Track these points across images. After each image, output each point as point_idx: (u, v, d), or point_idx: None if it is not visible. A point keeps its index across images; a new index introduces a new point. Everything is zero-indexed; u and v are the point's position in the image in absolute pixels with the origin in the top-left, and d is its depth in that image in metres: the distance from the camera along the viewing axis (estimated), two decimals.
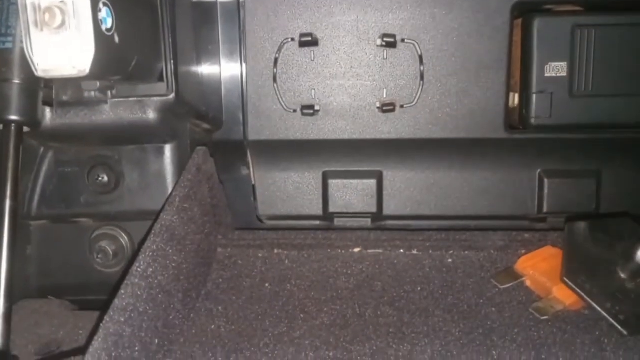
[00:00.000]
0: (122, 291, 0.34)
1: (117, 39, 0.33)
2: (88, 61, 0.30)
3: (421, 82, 0.52)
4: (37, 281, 0.47)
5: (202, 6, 0.51)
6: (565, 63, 0.50)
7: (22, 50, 0.35)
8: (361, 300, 0.42)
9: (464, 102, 0.52)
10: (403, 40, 0.52)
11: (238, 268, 0.46)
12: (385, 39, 0.52)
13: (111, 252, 0.46)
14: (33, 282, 0.47)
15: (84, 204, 0.46)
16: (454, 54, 0.52)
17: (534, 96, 0.52)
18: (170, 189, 0.45)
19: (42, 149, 0.46)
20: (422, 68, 0.52)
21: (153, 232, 0.39)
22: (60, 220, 0.47)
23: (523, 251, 0.46)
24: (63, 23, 0.30)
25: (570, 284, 0.39)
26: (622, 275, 0.40)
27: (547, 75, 0.51)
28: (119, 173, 0.45)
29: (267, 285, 0.44)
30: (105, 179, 0.45)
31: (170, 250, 0.39)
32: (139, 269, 0.36)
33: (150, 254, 0.38)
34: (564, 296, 0.40)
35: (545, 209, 0.55)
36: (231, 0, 0.52)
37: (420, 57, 0.52)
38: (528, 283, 0.43)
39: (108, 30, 0.32)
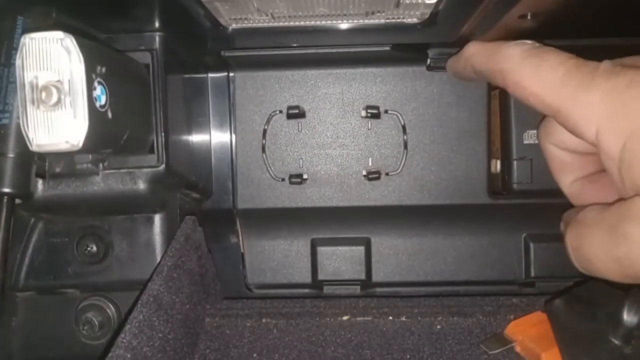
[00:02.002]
0: None
1: (110, 115, 0.35)
2: (81, 137, 0.31)
3: (405, 151, 0.54)
4: (21, 354, 0.46)
5: (193, 80, 0.53)
6: None
7: (18, 125, 0.36)
8: None
9: (447, 169, 0.54)
10: (386, 112, 0.54)
11: (226, 338, 0.46)
12: (369, 111, 0.54)
13: (97, 324, 0.45)
14: (17, 356, 0.46)
15: (71, 274, 0.46)
16: (435, 123, 0.54)
17: (515, 163, 0.53)
18: (158, 259, 0.45)
19: (32, 220, 0.46)
20: (405, 137, 0.54)
21: (140, 302, 0.39)
22: (47, 291, 0.46)
23: (512, 316, 0.46)
24: (59, 101, 0.31)
25: None
26: (616, 342, 0.39)
27: (525, 142, 0.53)
28: (107, 243, 0.45)
29: (255, 355, 0.44)
30: (94, 248, 0.45)
31: (157, 321, 0.39)
32: (124, 340, 0.36)
33: (137, 324, 0.37)
34: None
35: (532, 274, 0.55)
36: (221, 75, 0.55)
37: (404, 127, 0.54)
38: (518, 349, 0.43)
39: (102, 106, 0.34)
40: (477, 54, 0.38)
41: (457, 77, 0.44)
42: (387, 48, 0.49)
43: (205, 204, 0.55)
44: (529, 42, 0.34)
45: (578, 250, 0.32)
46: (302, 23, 0.43)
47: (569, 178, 0.39)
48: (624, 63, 0.31)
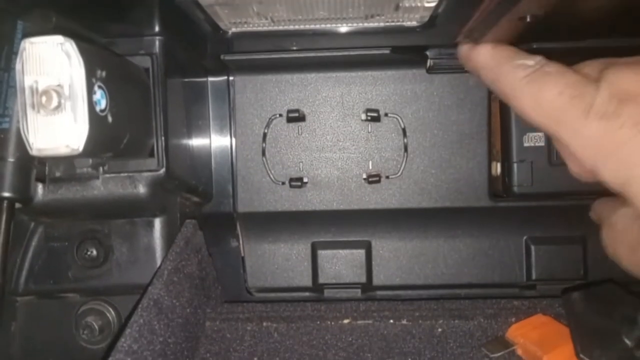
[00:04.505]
0: None
1: (110, 119, 0.35)
2: (82, 141, 0.31)
3: (405, 154, 0.54)
4: (21, 359, 0.46)
5: (193, 84, 0.53)
6: (542, 133, 0.52)
7: (18, 130, 0.36)
8: None
9: (447, 172, 0.54)
10: (386, 115, 0.54)
11: (226, 342, 0.46)
12: (369, 114, 0.54)
13: (97, 328, 0.45)
14: None
15: (71, 278, 0.45)
16: (435, 126, 0.54)
17: (515, 165, 0.53)
18: (158, 263, 0.45)
19: (32, 224, 0.46)
20: (405, 140, 0.54)
21: (140, 306, 0.39)
22: (47, 295, 0.46)
23: (513, 319, 0.46)
24: (59, 105, 0.31)
25: None
26: (629, 343, 0.39)
27: (526, 145, 0.53)
28: (107, 247, 0.45)
29: (255, 359, 0.44)
30: (94, 253, 0.45)
31: (157, 325, 0.39)
32: (124, 345, 0.36)
33: (137, 328, 0.37)
34: None
35: (534, 276, 0.55)
36: (221, 79, 0.55)
37: (404, 130, 0.54)
38: (519, 352, 0.43)
39: (102, 111, 0.34)
40: (485, 68, 0.37)
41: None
42: (387, 51, 0.49)
43: (205, 207, 0.55)
44: (531, 62, 0.34)
45: (612, 248, 0.36)
46: (301, 26, 0.43)
47: None
48: (621, 94, 0.30)
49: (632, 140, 0.29)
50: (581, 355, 0.39)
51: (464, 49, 0.38)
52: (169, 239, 0.46)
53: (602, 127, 0.30)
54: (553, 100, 0.31)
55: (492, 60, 0.36)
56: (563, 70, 0.32)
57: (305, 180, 0.54)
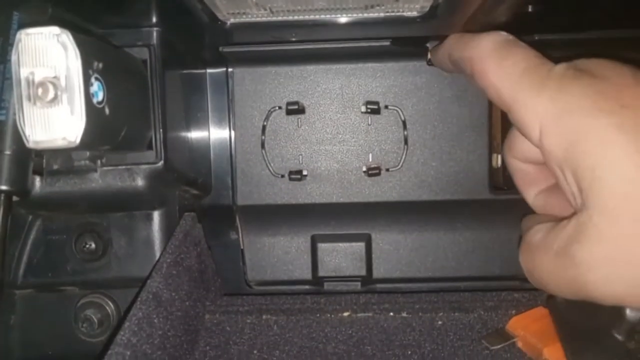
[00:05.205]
0: None
1: (107, 111, 0.34)
2: (79, 133, 0.31)
3: (405, 147, 0.54)
4: (20, 352, 0.46)
5: (191, 76, 0.53)
6: None
7: (15, 122, 0.36)
8: None
9: (448, 164, 0.54)
10: (386, 107, 0.54)
11: (226, 335, 0.46)
12: (369, 106, 0.54)
13: (96, 321, 0.45)
14: (15, 353, 0.46)
15: (70, 272, 0.45)
16: (436, 118, 0.54)
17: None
18: (157, 256, 0.45)
19: (30, 218, 0.46)
20: (405, 133, 0.54)
21: (139, 299, 0.39)
22: (46, 288, 0.46)
23: (513, 311, 0.46)
24: (55, 97, 0.31)
25: None
26: (619, 337, 0.39)
27: None
28: (106, 240, 0.45)
29: (255, 352, 0.44)
30: (93, 246, 0.45)
31: (157, 318, 0.39)
32: (123, 338, 0.35)
33: (136, 321, 0.37)
34: (555, 358, 0.39)
35: None
36: (219, 71, 0.55)
37: (404, 123, 0.54)
38: (519, 344, 0.43)
39: (99, 103, 0.33)
40: (455, 43, 0.38)
41: (438, 66, 0.45)
42: (387, 42, 0.49)
43: (204, 200, 0.55)
44: (503, 33, 0.34)
45: (532, 273, 0.33)
46: (300, 17, 0.42)
47: (532, 191, 0.39)
48: (579, 67, 0.30)
49: (579, 111, 0.28)
50: None
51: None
52: (168, 232, 0.46)
53: (557, 90, 0.29)
54: (516, 64, 0.32)
55: (463, 36, 0.37)
56: (527, 46, 0.33)
57: (304, 173, 0.54)
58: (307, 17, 0.42)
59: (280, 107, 0.54)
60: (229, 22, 0.43)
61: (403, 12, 0.42)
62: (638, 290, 0.28)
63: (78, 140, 0.31)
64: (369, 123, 0.54)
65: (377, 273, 0.56)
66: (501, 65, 0.32)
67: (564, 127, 0.29)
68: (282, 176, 0.54)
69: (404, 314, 0.47)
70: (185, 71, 0.50)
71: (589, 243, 0.27)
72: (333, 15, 0.43)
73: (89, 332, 0.45)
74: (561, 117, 0.29)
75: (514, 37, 0.34)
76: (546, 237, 0.31)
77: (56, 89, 0.31)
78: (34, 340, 0.46)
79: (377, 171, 0.54)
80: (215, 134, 0.55)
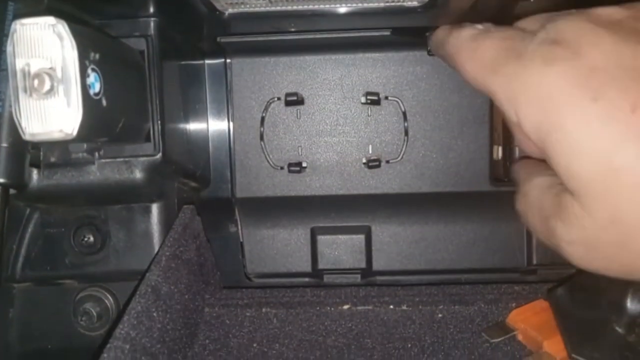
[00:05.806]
0: (105, 355, 0.33)
1: (104, 102, 0.34)
2: (75, 125, 0.31)
3: (405, 138, 0.53)
4: (19, 346, 0.46)
5: (189, 67, 0.52)
6: None
7: (10, 114, 0.36)
8: (351, 358, 0.41)
9: (448, 156, 0.53)
10: (387, 98, 0.53)
11: (225, 328, 0.45)
12: (369, 97, 0.53)
13: (95, 315, 0.45)
14: (14, 347, 0.46)
15: (68, 265, 0.45)
16: (436, 109, 0.53)
17: (517, 149, 0.53)
18: (156, 249, 0.44)
19: (28, 211, 0.45)
20: (406, 124, 0.53)
21: (138, 292, 0.39)
22: (45, 282, 0.46)
23: (514, 304, 0.45)
24: (51, 89, 0.30)
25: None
26: (620, 330, 0.39)
27: None
28: (104, 233, 0.45)
29: (255, 345, 0.43)
30: (91, 239, 0.44)
31: (156, 311, 0.39)
32: (122, 332, 0.35)
33: (135, 315, 0.37)
34: (555, 351, 0.39)
35: (534, 261, 0.54)
36: (218, 62, 0.54)
37: (404, 114, 0.53)
38: (520, 337, 0.43)
39: (96, 94, 0.33)
40: (441, 37, 0.38)
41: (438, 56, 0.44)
42: (387, 32, 0.48)
43: (203, 192, 0.55)
44: (480, 26, 0.34)
45: (525, 220, 0.34)
46: (300, 7, 0.42)
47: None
48: (552, 37, 0.29)
49: (550, 97, 0.28)
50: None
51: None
52: (167, 224, 0.45)
53: (524, 81, 0.29)
54: (486, 51, 0.32)
55: (446, 30, 0.37)
56: (504, 28, 0.33)
57: (304, 165, 0.54)
58: (306, 6, 0.42)
59: (279, 98, 0.54)
60: (227, 12, 0.43)
61: (404, 2, 0.41)
62: (616, 265, 0.29)
63: (75, 133, 0.31)
64: (369, 114, 0.54)
65: (377, 265, 0.56)
66: (473, 56, 0.33)
67: (536, 114, 0.28)
68: (282, 168, 0.54)
69: (404, 307, 0.46)
70: (183, 62, 0.50)
71: (568, 225, 0.29)
72: (332, 5, 0.42)
73: (88, 326, 0.45)
74: (532, 102, 0.28)
75: (491, 25, 0.34)
76: (539, 199, 0.32)
77: (52, 80, 0.30)
78: (32, 334, 0.46)
79: (377, 163, 0.53)
80: (213, 125, 0.55)
